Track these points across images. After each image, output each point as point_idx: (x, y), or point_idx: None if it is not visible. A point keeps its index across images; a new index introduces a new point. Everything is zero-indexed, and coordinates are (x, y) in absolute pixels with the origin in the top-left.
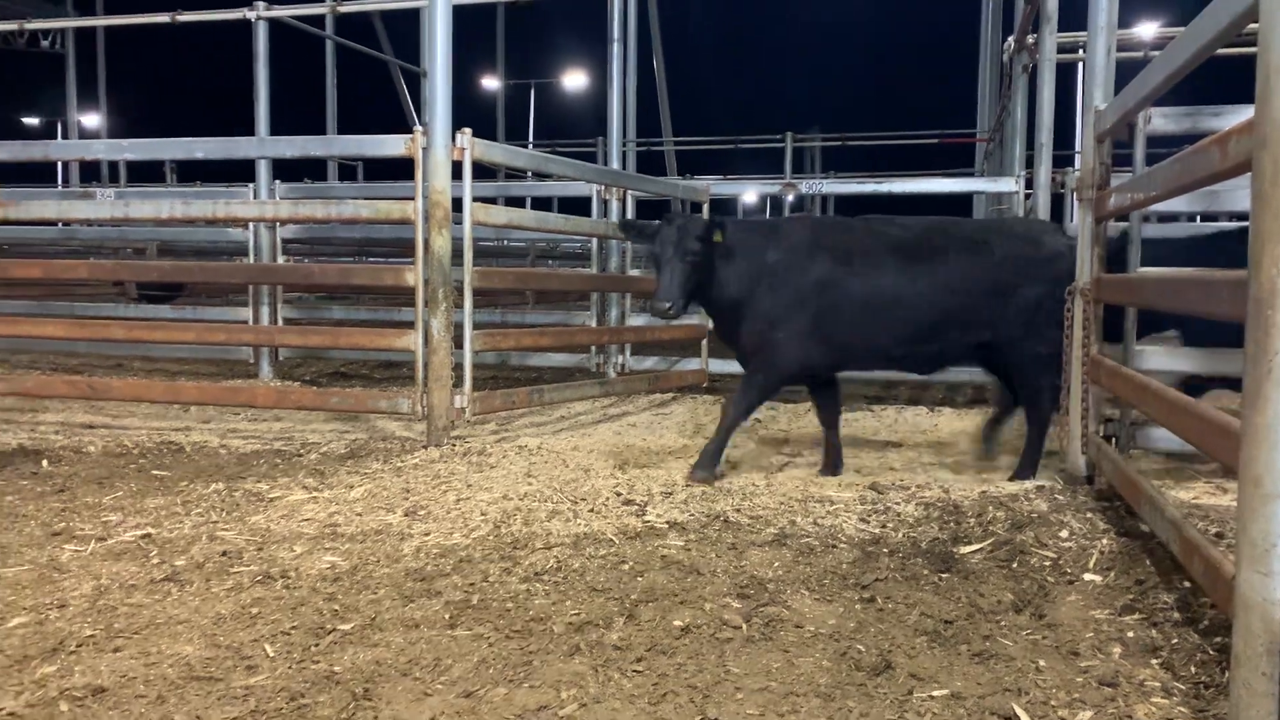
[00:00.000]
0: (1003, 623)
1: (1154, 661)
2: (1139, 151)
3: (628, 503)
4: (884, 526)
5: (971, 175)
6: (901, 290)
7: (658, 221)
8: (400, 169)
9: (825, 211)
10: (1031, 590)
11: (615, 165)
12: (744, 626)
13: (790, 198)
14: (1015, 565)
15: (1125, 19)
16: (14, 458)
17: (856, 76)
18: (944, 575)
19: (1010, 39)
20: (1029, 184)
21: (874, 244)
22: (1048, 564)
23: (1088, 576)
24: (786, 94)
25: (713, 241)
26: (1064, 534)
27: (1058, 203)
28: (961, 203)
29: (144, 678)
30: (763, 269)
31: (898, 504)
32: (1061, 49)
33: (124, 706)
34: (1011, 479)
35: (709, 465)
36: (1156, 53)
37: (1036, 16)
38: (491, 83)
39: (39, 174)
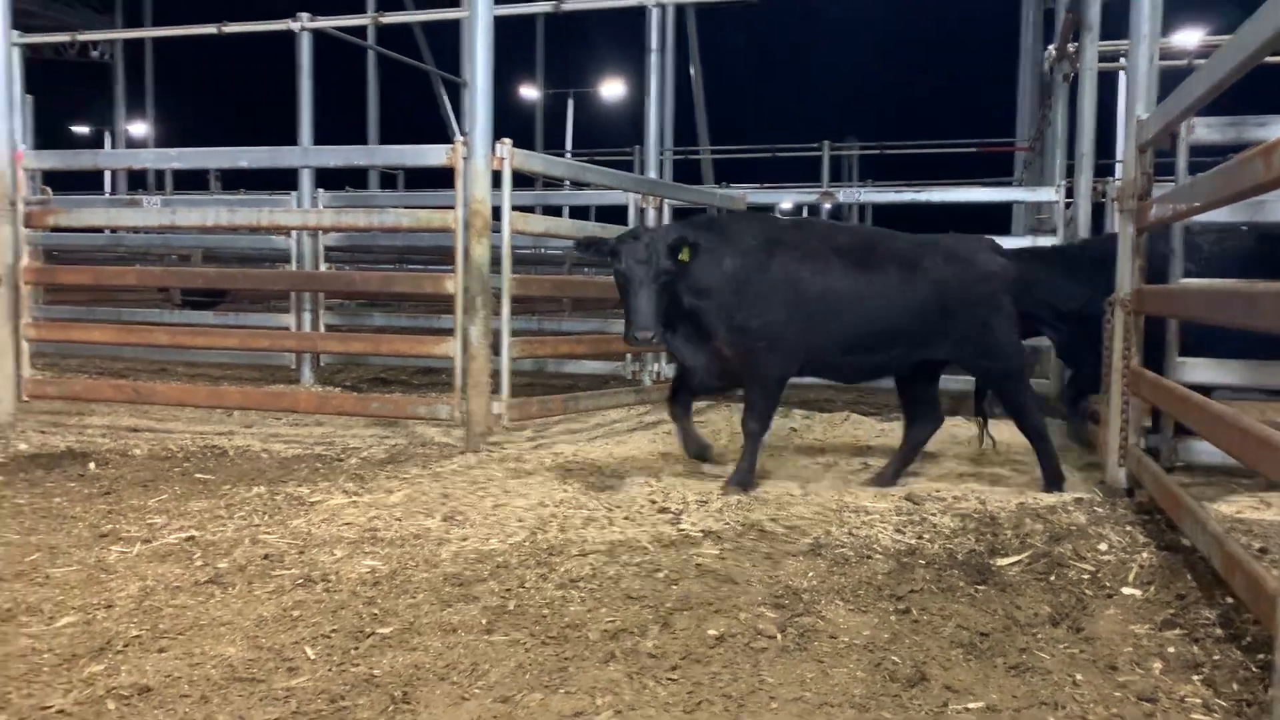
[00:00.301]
0: (1040, 636)
1: (1195, 678)
2: (1182, 161)
3: (663, 510)
4: (920, 537)
5: (1011, 184)
6: (861, 292)
7: (615, 239)
8: (440, 177)
9: (864, 221)
10: (1069, 603)
11: (652, 174)
12: (779, 636)
13: (827, 206)
14: (1053, 578)
15: (1168, 26)
16: (62, 460)
17: (894, 85)
18: (980, 587)
19: (1051, 47)
20: (1069, 193)
21: (822, 246)
22: (1086, 577)
23: (1127, 590)
24: (824, 102)
25: (679, 260)
26: (1103, 547)
27: (1098, 212)
28: (1000, 212)
29: (188, 678)
30: (732, 273)
31: (934, 515)
32: (1103, 58)
33: (169, 706)
34: (1046, 490)
35: (742, 480)
36: (1201, 61)
37: (1077, 25)
38: (530, 92)
39: (87, 181)
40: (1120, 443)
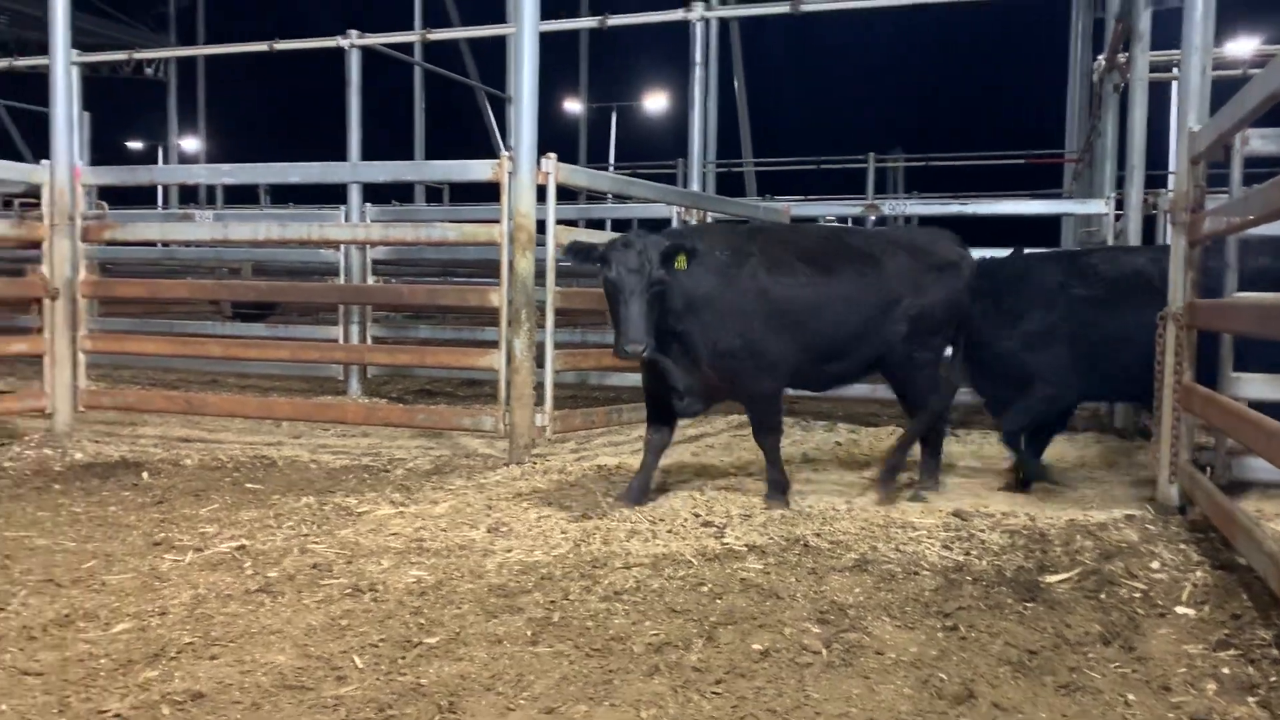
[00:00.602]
0: (1090, 655)
1: (1250, 699)
2: (1236, 173)
3: (706, 524)
4: (967, 554)
5: (1060, 197)
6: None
7: (606, 245)
8: (485, 190)
9: None
10: (1121, 622)
11: (695, 187)
12: (824, 652)
13: (873, 219)
14: (1104, 596)
15: (1221, 36)
16: (116, 469)
17: (941, 96)
18: (1029, 604)
19: (1100, 58)
20: (1119, 205)
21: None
22: (1138, 595)
23: (1180, 609)
24: (869, 114)
25: (674, 269)
26: (1155, 565)
27: (1149, 225)
28: (1049, 225)
29: (239, 685)
30: (718, 284)
31: (982, 531)
32: (1154, 68)
33: (221, 712)
34: (921, 485)
35: (780, 493)
36: (1255, 71)
37: (1128, 35)
38: (574, 106)
39: (140, 196)
40: (1171, 459)
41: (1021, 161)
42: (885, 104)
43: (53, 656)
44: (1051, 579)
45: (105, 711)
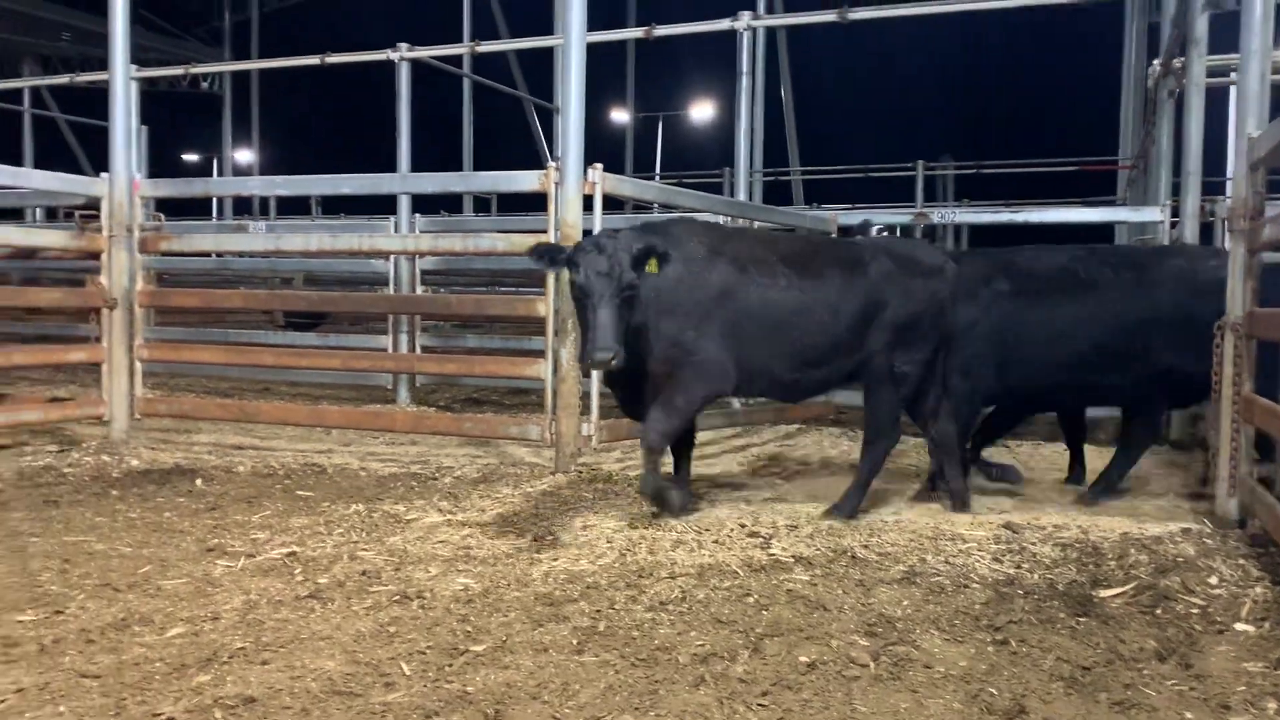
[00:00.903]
0: (1145, 671)
1: None
2: None
3: (752, 535)
4: (1018, 567)
5: (1114, 204)
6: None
7: (574, 247)
8: (533, 200)
9: (959, 244)
10: (1177, 638)
11: (742, 196)
12: (871, 665)
13: (921, 227)
14: (1159, 611)
15: None
16: (171, 476)
17: (991, 102)
18: (1082, 619)
19: (1155, 63)
20: (1175, 213)
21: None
22: (1195, 611)
23: (1239, 626)
24: (918, 121)
25: (645, 272)
26: (1213, 580)
27: (1206, 232)
28: (1102, 233)
29: (289, 690)
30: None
31: (1033, 544)
32: (1211, 73)
33: (272, 717)
34: (824, 515)
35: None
36: None
37: (1184, 40)
38: (620, 115)
39: (194, 207)
40: (1231, 472)
41: (1074, 169)
42: (934, 111)
43: (110, 659)
44: (1105, 593)
45: (159, 714)
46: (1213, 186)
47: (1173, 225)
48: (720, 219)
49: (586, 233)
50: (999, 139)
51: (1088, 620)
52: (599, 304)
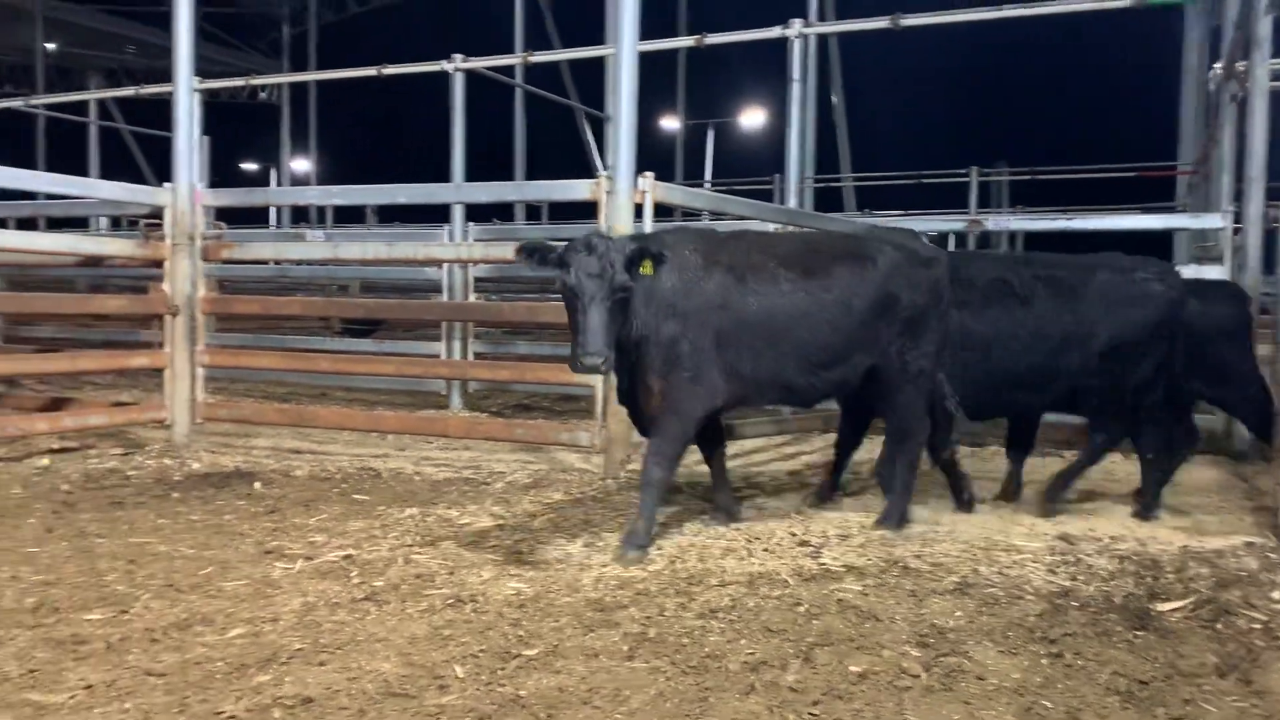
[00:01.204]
0: (1205, 687)
1: None
2: None
3: (803, 544)
4: (1074, 579)
5: (1173, 211)
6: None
7: (565, 247)
8: (583, 208)
9: (1015, 251)
10: (1238, 654)
11: (793, 203)
12: (923, 675)
13: (975, 234)
14: (1219, 626)
15: None
16: (231, 479)
17: (1046, 107)
18: (1139, 633)
19: (1217, 66)
20: (1237, 219)
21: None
22: (1257, 626)
23: None
24: (972, 127)
25: (640, 275)
26: (1276, 595)
27: (1270, 239)
28: (1161, 240)
29: (346, 691)
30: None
31: (1089, 555)
32: (1275, 76)
33: (329, 717)
34: (876, 525)
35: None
36: None
37: (1246, 43)
38: (671, 123)
39: (252, 215)
40: None
41: (1132, 175)
42: (988, 116)
43: (173, 658)
44: (1163, 607)
45: (221, 713)
46: (1276, 193)
47: (1235, 232)
48: (771, 226)
49: None
50: (1056, 144)
51: (1145, 634)
52: (589, 306)
